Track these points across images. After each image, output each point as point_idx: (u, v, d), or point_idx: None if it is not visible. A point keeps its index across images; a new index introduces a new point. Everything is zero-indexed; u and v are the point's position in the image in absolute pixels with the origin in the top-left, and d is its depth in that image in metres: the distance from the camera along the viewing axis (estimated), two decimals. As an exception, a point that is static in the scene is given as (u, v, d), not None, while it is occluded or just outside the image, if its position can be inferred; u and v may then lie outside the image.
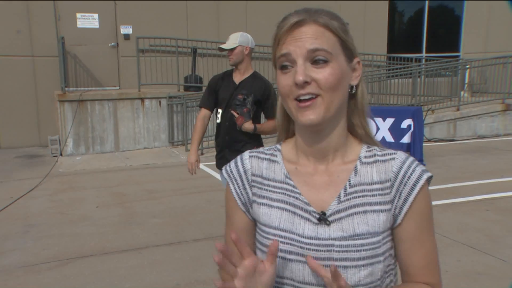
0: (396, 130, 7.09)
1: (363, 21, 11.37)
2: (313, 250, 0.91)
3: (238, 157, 1.05)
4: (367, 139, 1.00)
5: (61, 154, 7.99)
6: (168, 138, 8.72)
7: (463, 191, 5.56)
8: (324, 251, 0.90)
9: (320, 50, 0.87)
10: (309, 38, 0.87)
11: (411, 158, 0.95)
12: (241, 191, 1.01)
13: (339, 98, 0.91)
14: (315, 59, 0.87)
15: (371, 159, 0.96)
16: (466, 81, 11.31)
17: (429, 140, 9.26)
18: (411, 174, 0.92)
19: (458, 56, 12.23)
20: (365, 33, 11.41)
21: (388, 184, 0.93)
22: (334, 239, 0.90)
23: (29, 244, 4.12)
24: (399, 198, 0.92)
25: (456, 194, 5.44)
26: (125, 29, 9.34)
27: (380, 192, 0.93)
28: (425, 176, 0.93)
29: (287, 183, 0.97)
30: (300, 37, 0.87)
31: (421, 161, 7.00)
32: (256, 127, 3.23)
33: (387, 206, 0.92)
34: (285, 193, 0.96)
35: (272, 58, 0.94)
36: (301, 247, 0.91)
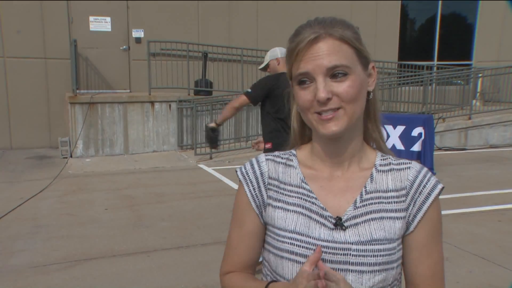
0: (406, 138, 7.03)
1: (374, 28, 11.34)
2: (329, 253, 0.91)
3: (254, 159, 1.04)
4: (380, 143, 1.02)
5: (71, 156, 8.04)
6: (177, 141, 8.74)
7: (474, 201, 5.49)
8: (341, 254, 0.91)
9: (339, 66, 0.88)
10: (326, 55, 0.88)
11: (426, 169, 0.98)
12: (256, 193, 1.00)
13: (360, 107, 0.92)
14: (334, 73, 0.88)
15: (387, 167, 0.98)
16: (478, 89, 11.22)
17: (439, 149, 9.18)
18: (426, 183, 0.95)
19: (470, 65, 12.14)
20: (376, 40, 11.38)
21: (403, 192, 0.95)
22: (351, 243, 0.91)
23: (39, 245, 4.14)
24: (413, 206, 0.94)
25: (467, 204, 5.37)
26: (137, 33, 9.41)
27: (396, 199, 0.95)
28: (439, 186, 0.95)
29: (304, 188, 0.97)
30: (318, 54, 0.88)
31: (431, 169, 6.93)
32: (216, 122, 3.56)
33: (402, 214, 0.94)
34: (302, 198, 0.97)
35: (288, 71, 0.95)
36: None
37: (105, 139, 8.28)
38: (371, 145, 1.03)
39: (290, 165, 1.01)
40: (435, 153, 7.72)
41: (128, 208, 5.29)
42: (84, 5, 8.99)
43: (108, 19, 9.21)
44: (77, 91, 8.14)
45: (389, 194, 0.95)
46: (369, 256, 0.90)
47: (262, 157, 1.04)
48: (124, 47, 9.39)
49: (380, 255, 0.90)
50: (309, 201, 0.96)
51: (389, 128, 7.15)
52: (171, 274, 3.55)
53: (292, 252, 0.93)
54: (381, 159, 0.99)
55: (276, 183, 1.00)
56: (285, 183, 1.00)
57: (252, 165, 1.03)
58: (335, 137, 0.92)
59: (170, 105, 8.66)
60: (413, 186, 0.95)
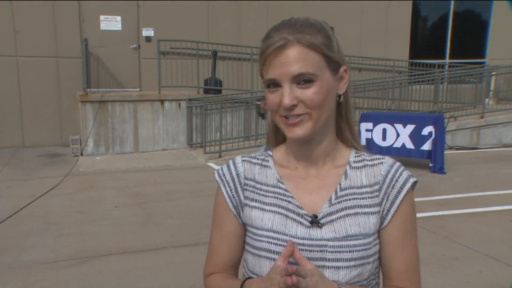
0: (416, 137, 6.97)
1: (385, 26, 11.26)
2: (306, 250, 0.93)
3: (231, 161, 1.07)
4: (353, 142, 1.03)
5: (81, 154, 8.11)
6: (187, 140, 8.77)
7: (486, 201, 5.42)
8: (317, 251, 0.93)
9: (304, 74, 0.89)
10: (293, 62, 0.89)
11: (398, 163, 0.99)
12: (233, 194, 1.02)
13: (327, 111, 0.94)
14: (300, 80, 0.90)
15: (360, 164, 0.99)
16: (492, 88, 11.07)
17: (450, 148, 9.08)
18: (398, 177, 0.96)
19: (483, 63, 11.98)
20: (387, 39, 11.29)
21: (376, 187, 0.96)
22: (327, 239, 0.93)
23: (49, 242, 4.18)
24: (387, 200, 0.95)
25: (479, 203, 5.31)
26: (147, 32, 9.45)
27: (370, 195, 0.96)
28: (411, 180, 0.96)
29: (280, 187, 0.99)
30: (285, 61, 0.89)
31: (441, 169, 6.87)
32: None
33: (376, 209, 0.95)
34: (278, 197, 0.99)
35: (259, 72, 0.97)
36: None
37: (115, 137, 8.34)
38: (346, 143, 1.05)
39: (266, 166, 1.03)
40: (446, 152, 7.64)
41: (137, 205, 5.32)
42: (95, 5, 9.07)
43: (119, 18, 9.27)
44: (88, 89, 8.21)
45: (363, 190, 0.96)
46: (344, 251, 0.92)
47: (239, 158, 1.06)
48: (134, 46, 9.44)
49: (355, 250, 0.92)
50: (285, 200, 0.97)
51: (399, 126, 7.09)
52: (180, 271, 3.57)
53: (269, 251, 0.94)
54: (355, 156, 1.01)
55: (252, 183, 1.02)
56: (261, 183, 1.01)
57: (228, 166, 1.05)
58: (303, 140, 0.95)
59: (179, 104, 8.69)
60: (385, 181, 0.96)
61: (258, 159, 1.05)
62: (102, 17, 9.18)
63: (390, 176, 0.96)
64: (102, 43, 9.18)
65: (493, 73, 10.93)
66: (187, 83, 9.13)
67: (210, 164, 7.62)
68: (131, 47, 9.43)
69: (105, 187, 6.13)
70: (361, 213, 0.94)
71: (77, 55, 8.60)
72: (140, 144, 8.52)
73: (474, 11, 12.62)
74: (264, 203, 0.99)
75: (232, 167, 1.05)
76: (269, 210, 0.98)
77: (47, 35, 8.84)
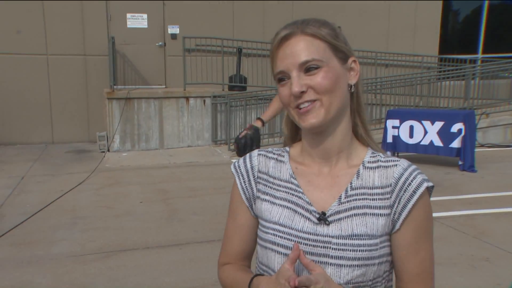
0: (445, 134, 6.78)
1: (413, 21, 11.00)
2: (310, 245, 0.93)
3: (247, 154, 1.09)
4: (368, 139, 1.02)
5: (108, 150, 8.26)
6: (212, 137, 8.81)
7: (518, 200, 5.23)
8: (321, 247, 0.93)
9: (310, 61, 0.91)
10: (298, 51, 0.92)
11: (414, 166, 0.98)
12: (246, 186, 1.05)
13: (339, 98, 0.93)
14: (307, 68, 0.91)
15: (374, 164, 0.98)
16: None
17: (482, 146, 8.81)
18: (411, 181, 0.94)
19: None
20: (416, 34, 11.04)
21: (388, 189, 0.95)
22: (332, 236, 0.92)
23: (77, 235, 4.27)
24: (398, 203, 0.94)
25: (510, 203, 5.12)
26: (173, 29, 9.53)
27: (381, 196, 0.95)
28: (425, 184, 0.94)
29: (292, 183, 1.01)
30: (290, 51, 0.92)
31: (472, 167, 6.67)
32: (263, 120, 3.04)
33: (387, 211, 0.94)
34: (289, 192, 1.00)
35: (272, 71, 0.99)
36: (298, 242, 0.94)
37: (141, 134, 8.45)
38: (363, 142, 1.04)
39: (281, 161, 1.05)
40: (477, 150, 7.41)
41: (162, 201, 5.38)
42: (121, 3, 9.20)
43: (145, 16, 9.39)
44: (115, 86, 8.34)
45: (375, 191, 0.96)
46: (348, 250, 0.91)
47: (255, 152, 1.08)
48: (160, 43, 9.54)
49: (359, 250, 0.91)
50: (296, 195, 0.99)
51: (427, 123, 6.92)
52: (203, 267, 3.58)
53: (274, 243, 0.97)
54: (370, 156, 1.00)
55: (265, 177, 1.04)
56: (274, 177, 1.03)
57: (244, 159, 1.09)
58: (316, 130, 0.95)
59: (204, 101, 8.73)
60: (398, 184, 0.95)
61: (274, 154, 1.07)
62: (128, 15, 9.31)
63: (403, 179, 0.94)
64: (129, 41, 9.31)
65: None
66: (212, 80, 9.16)
67: (234, 160, 7.62)
68: (156, 44, 9.53)
69: (131, 183, 6.22)
70: (370, 213, 0.94)
71: (104, 53, 8.76)
72: (165, 141, 8.61)
73: (510, 4, 12.17)
74: (275, 197, 1.01)
75: (247, 160, 1.08)
76: (278, 204, 0.99)
77: (75, 34, 9.03)
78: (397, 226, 0.94)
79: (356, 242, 0.91)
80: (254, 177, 1.05)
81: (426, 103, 9.61)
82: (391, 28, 10.84)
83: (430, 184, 0.95)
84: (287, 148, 1.08)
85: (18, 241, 4.12)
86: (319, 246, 0.93)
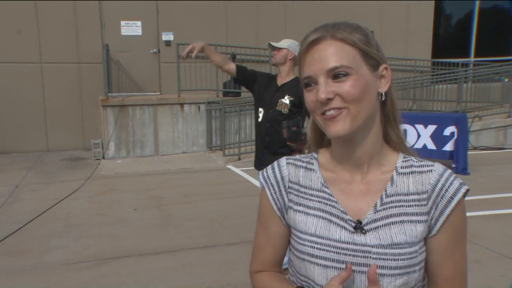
0: (438, 137, 6.84)
1: (405, 25, 11.09)
2: (349, 255, 0.92)
3: (275, 163, 1.06)
4: (401, 145, 0.99)
5: (103, 157, 8.26)
6: (207, 143, 8.84)
7: (510, 202, 5.27)
8: (361, 257, 0.91)
9: (339, 67, 0.88)
10: (328, 56, 0.89)
11: (449, 171, 0.96)
12: (277, 197, 1.03)
13: (367, 107, 0.91)
14: (336, 74, 0.89)
15: (408, 170, 0.96)
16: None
17: (475, 148, 8.87)
18: (448, 187, 0.92)
19: (510, 60, 11.66)
20: (408, 38, 11.12)
21: (425, 195, 0.93)
22: (372, 246, 0.91)
23: (70, 243, 4.28)
24: (435, 210, 0.92)
25: (502, 205, 5.16)
26: (167, 36, 9.57)
27: (417, 203, 0.93)
28: (463, 190, 0.93)
29: (324, 192, 0.98)
30: (319, 56, 0.90)
31: (464, 169, 6.72)
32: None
33: (424, 217, 0.93)
34: (322, 201, 0.98)
35: (299, 75, 0.97)
36: (337, 253, 0.93)
37: (136, 141, 8.47)
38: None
39: (311, 169, 1.02)
40: (470, 152, 7.46)
41: (156, 208, 5.39)
42: (115, 11, 9.24)
43: (139, 23, 9.43)
44: (109, 94, 8.36)
45: (410, 197, 0.94)
46: (389, 259, 0.90)
47: (283, 160, 1.06)
48: (154, 50, 9.57)
49: (401, 259, 0.90)
50: (329, 204, 0.97)
51: (420, 127, 6.97)
52: (196, 273, 3.59)
53: (312, 255, 0.95)
54: (402, 161, 0.97)
55: (296, 187, 1.02)
56: (305, 187, 1.01)
57: (273, 169, 1.05)
58: (344, 138, 0.93)
59: (199, 107, 8.76)
60: (435, 190, 0.93)
61: (303, 161, 1.05)
62: (122, 23, 9.35)
63: (439, 185, 0.93)
64: (123, 48, 9.34)
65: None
66: (206, 86, 9.19)
67: (229, 166, 7.65)
68: (151, 51, 9.57)
69: (125, 190, 6.23)
70: (408, 221, 0.92)
71: (99, 60, 8.78)
72: (160, 147, 8.62)
73: (501, 7, 12.30)
74: (308, 207, 0.99)
75: (276, 169, 1.05)
76: (312, 214, 0.98)
77: (69, 42, 9.06)
78: (434, 232, 0.93)
79: (397, 251, 0.90)
80: (285, 187, 1.03)
81: (419, 106, 9.68)
82: (383, 32, 10.92)
83: (467, 187, 0.94)
84: (315, 155, 1.05)
85: (11, 250, 4.12)
86: (358, 256, 0.92)
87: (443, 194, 0.92)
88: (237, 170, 7.34)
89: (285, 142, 3.31)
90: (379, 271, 0.90)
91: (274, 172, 1.04)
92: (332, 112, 0.90)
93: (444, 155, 6.81)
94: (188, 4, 9.56)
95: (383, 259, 0.90)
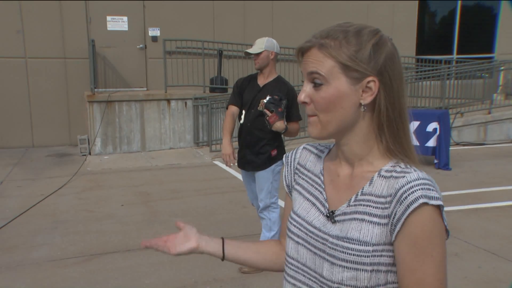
0: (421, 134, 6.97)
1: (391, 22, 11.22)
2: (314, 238, 1.02)
3: (298, 147, 1.20)
4: (403, 154, 0.99)
5: (89, 153, 8.24)
6: (193, 138, 8.86)
7: (489, 197, 5.43)
8: (321, 242, 1.01)
9: (315, 73, 0.96)
10: (309, 61, 0.97)
11: (422, 181, 0.91)
12: (287, 175, 1.18)
13: (339, 118, 0.96)
14: (314, 81, 0.97)
15: (389, 174, 0.97)
16: (500, 83, 10.99)
17: (457, 144, 9.05)
18: (408, 195, 0.89)
19: (492, 57, 11.89)
20: (393, 35, 11.23)
21: (389, 199, 0.94)
22: (330, 235, 0.99)
23: (57, 240, 4.29)
24: (394, 215, 0.92)
25: (481, 199, 5.31)
26: (153, 32, 9.55)
27: (381, 205, 0.95)
28: (421, 201, 0.87)
29: (319, 178, 1.09)
30: (305, 60, 0.98)
31: (446, 165, 6.87)
32: (287, 128, 3.30)
33: (385, 220, 0.94)
34: (314, 186, 1.09)
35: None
36: (306, 233, 1.03)
37: (122, 137, 8.46)
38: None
39: (319, 156, 1.13)
40: (452, 148, 7.63)
41: (143, 204, 5.42)
42: (101, 5, 9.18)
43: (125, 18, 9.38)
44: (95, 89, 8.33)
45: (380, 199, 0.95)
46: (339, 251, 0.96)
47: (302, 146, 1.19)
48: (140, 45, 9.54)
49: (348, 253, 0.94)
50: (318, 190, 1.07)
51: (404, 123, 7.09)
52: (182, 268, 3.65)
53: (289, 230, 1.08)
54: (390, 166, 0.98)
55: (302, 169, 1.14)
56: (308, 170, 1.13)
57: (292, 151, 1.20)
58: (317, 139, 1.02)
59: (186, 103, 8.78)
60: (396, 195, 0.92)
61: (317, 149, 1.16)
62: (109, 18, 9.29)
63: (401, 191, 0.91)
64: (109, 44, 9.29)
65: (502, 68, 10.84)
66: (193, 82, 9.22)
67: (216, 162, 7.70)
68: (137, 47, 9.54)
69: (112, 186, 6.24)
70: (367, 220, 0.95)
71: (85, 55, 8.73)
72: (147, 143, 8.63)
73: (483, 6, 12.51)
74: (304, 188, 1.11)
75: (294, 152, 1.19)
76: (303, 195, 1.10)
77: (54, 37, 8.98)
78: (393, 238, 0.93)
79: (347, 245, 0.95)
80: (294, 168, 1.17)
81: (401, 107, 9.79)
82: (369, 29, 11.02)
83: (433, 202, 0.88)
84: (331, 146, 1.14)
85: (-2, 247, 4.12)
86: (319, 241, 1.00)
87: (402, 201, 0.90)
88: (224, 166, 7.38)
89: (266, 140, 3.39)
90: (331, 259, 0.96)
91: (292, 154, 1.19)
92: (310, 118, 1.00)
93: (427, 151, 6.96)
94: (174, -1, 9.55)
95: (335, 249, 0.96)
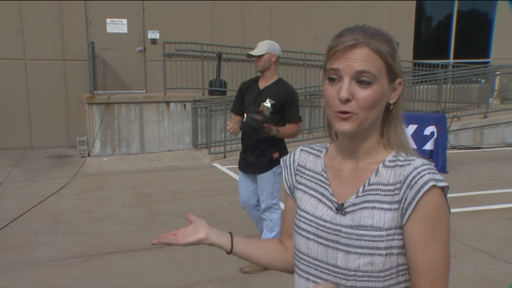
0: (418, 137, 7.05)
1: (388, 26, 11.29)
2: (325, 231, 1.06)
3: (294, 150, 1.25)
4: (400, 147, 1.07)
5: (89, 155, 8.26)
6: (192, 141, 8.90)
7: (486, 199, 5.50)
8: (333, 234, 1.05)
9: (367, 72, 0.98)
10: (359, 60, 0.98)
11: (427, 166, 1.00)
12: (288, 177, 1.21)
13: (374, 115, 1.03)
14: (360, 79, 0.98)
15: (393, 164, 1.05)
16: (496, 87, 11.10)
17: (454, 148, 9.14)
18: (418, 180, 0.97)
19: (487, 62, 12.01)
20: (390, 39, 11.33)
21: (398, 185, 1.01)
22: (342, 225, 1.04)
23: (59, 240, 4.32)
24: (405, 200, 0.99)
25: (478, 202, 5.38)
26: (153, 34, 9.60)
27: (391, 192, 1.02)
28: (431, 183, 0.96)
29: (322, 176, 1.14)
30: (352, 58, 0.98)
31: (443, 168, 6.94)
32: (278, 130, 3.34)
33: (395, 206, 1.00)
34: (318, 183, 1.13)
35: (323, 65, 1.06)
36: (317, 228, 1.07)
37: (121, 139, 8.49)
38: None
39: (318, 156, 1.18)
40: (449, 152, 7.71)
41: (143, 205, 5.45)
42: (101, 8, 9.22)
43: (125, 21, 9.43)
44: (95, 91, 8.36)
45: (388, 187, 1.02)
46: (354, 239, 1.01)
47: (299, 148, 1.24)
48: (140, 48, 9.59)
49: (363, 240, 1.00)
50: (323, 187, 1.11)
51: (401, 127, 7.16)
52: (184, 268, 3.69)
53: (299, 227, 1.11)
54: (393, 156, 1.06)
55: (303, 170, 1.19)
56: (309, 170, 1.17)
57: (290, 154, 1.24)
58: (348, 135, 1.05)
59: (185, 105, 8.82)
60: (406, 181, 0.99)
61: (314, 149, 1.21)
62: (108, 20, 9.33)
63: (411, 177, 0.98)
64: (109, 46, 9.33)
65: (497, 72, 10.95)
66: (192, 84, 9.26)
67: (215, 164, 7.74)
68: (137, 49, 9.58)
69: (112, 187, 6.27)
70: (378, 207, 1.01)
71: (84, 58, 8.76)
72: (146, 145, 8.66)
73: (478, 11, 12.63)
74: (307, 187, 1.15)
75: (292, 154, 1.24)
76: (308, 193, 1.14)
77: (54, 39, 9.01)
78: (404, 221, 0.99)
79: (361, 232, 1.00)
80: (294, 169, 1.20)
81: (401, 106, 9.88)
82: (367, 33, 11.11)
83: (440, 184, 0.96)
84: (327, 145, 1.19)
85: None
86: (332, 233, 1.04)
87: (412, 186, 0.97)
88: (223, 168, 7.44)
89: (267, 142, 3.43)
90: (346, 248, 1.01)
91: (290, 156, 1.23)
92: (345, 115, 1.00)
93: (424, 154, 7.02)
94: (174, 2, 9.59)
95: (349, 238, 1.01)
